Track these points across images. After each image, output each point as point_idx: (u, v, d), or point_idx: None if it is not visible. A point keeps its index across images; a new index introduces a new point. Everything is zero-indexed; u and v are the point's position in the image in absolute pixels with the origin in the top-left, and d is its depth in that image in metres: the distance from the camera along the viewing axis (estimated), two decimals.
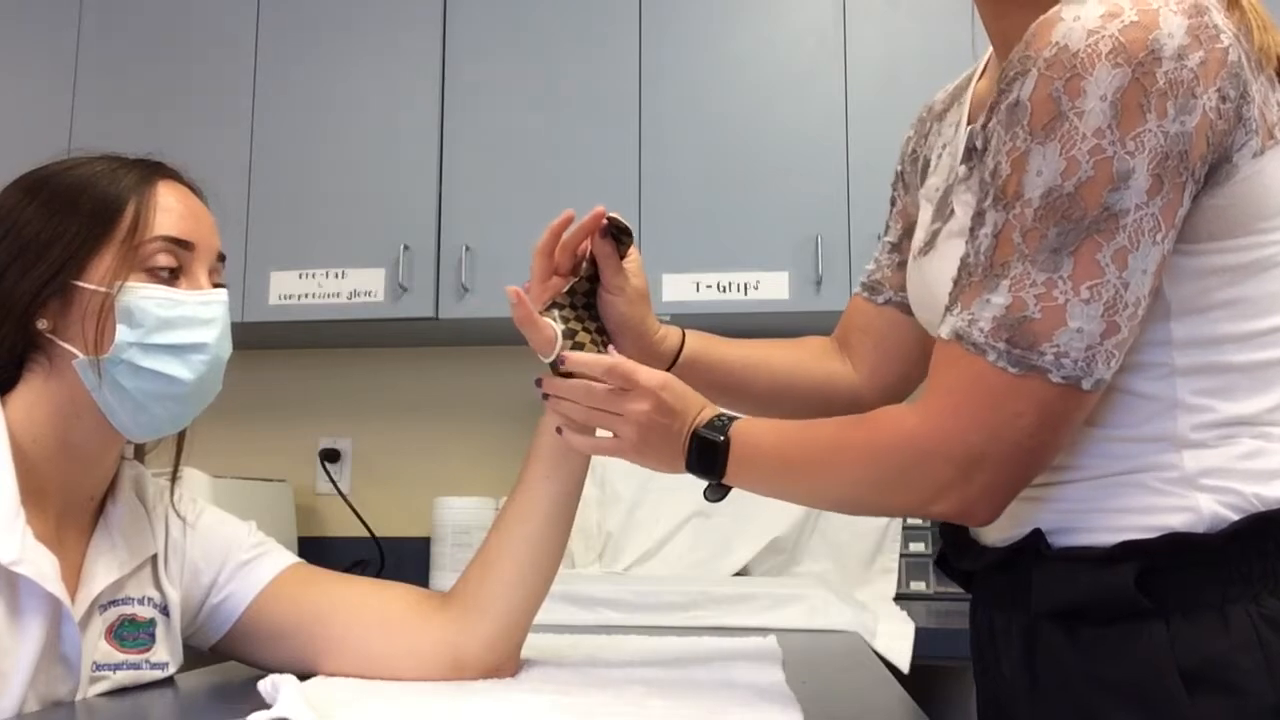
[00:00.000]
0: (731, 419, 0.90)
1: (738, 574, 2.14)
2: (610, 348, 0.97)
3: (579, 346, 0.96)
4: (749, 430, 0.89)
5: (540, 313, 0.96)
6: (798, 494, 0.91)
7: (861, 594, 2.03)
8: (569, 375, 0.92)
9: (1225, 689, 0.74)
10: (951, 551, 0.96)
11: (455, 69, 2.39)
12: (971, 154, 0.88)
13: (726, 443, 0.88)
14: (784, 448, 0.88)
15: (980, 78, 1.00)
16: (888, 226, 1.15)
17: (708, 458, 0.89)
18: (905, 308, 1.08)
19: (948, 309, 0.81)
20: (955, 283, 0.81)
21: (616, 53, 2.35)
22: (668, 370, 1.03)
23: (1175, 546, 0.77)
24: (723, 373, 1.07)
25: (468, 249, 2.30)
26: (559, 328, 0.95)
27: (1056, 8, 0.76)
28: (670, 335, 1.06)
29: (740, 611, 1.63)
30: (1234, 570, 0.76)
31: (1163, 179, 0.73)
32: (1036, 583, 0.83)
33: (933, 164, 1.01)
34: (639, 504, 2.27)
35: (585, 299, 1.01)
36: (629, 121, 2.32)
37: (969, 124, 0.95)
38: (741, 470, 0.89)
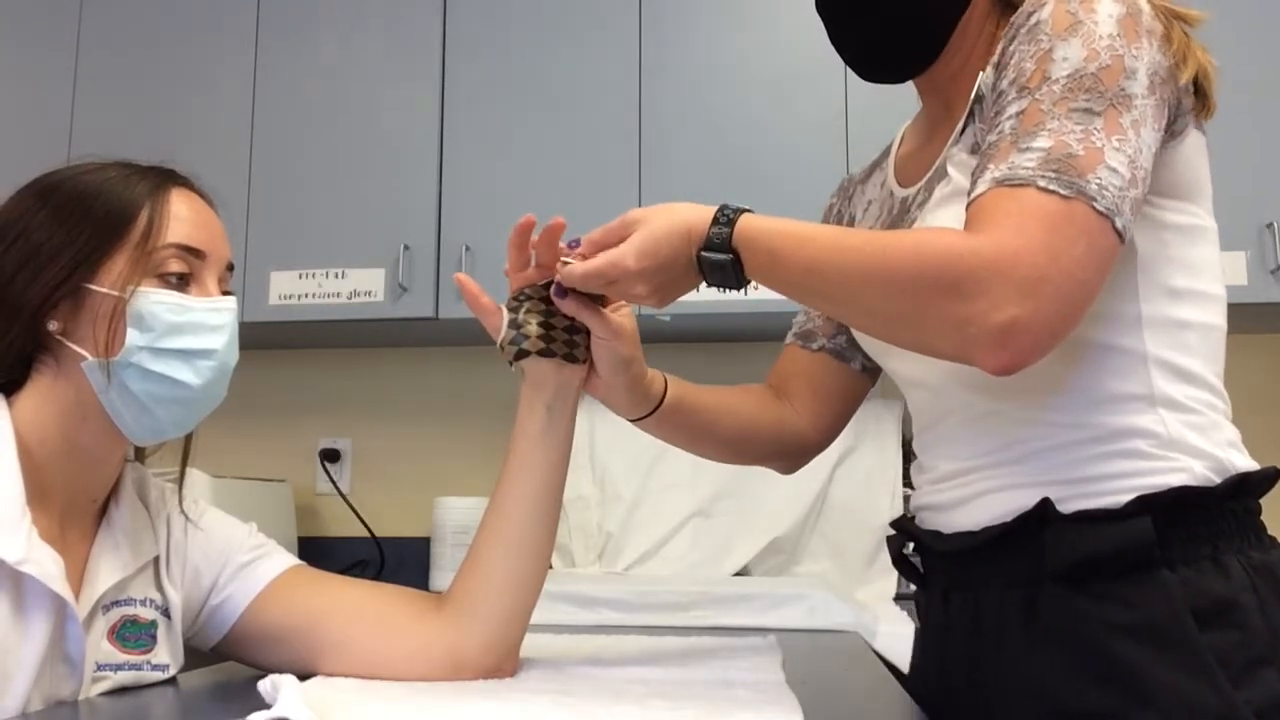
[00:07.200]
0: (730, 221, 0.87)
1: (738, 574, 2.15)
2: (581, 338, 0.97)
3: (547, 340, 0.97)
4: (755, 239, 0.86)
5: (510, 300, 0.98)
6: (829, 299, 0.88)
7: (861, 594, 2.03)
8: (539, 353, 0.96)
9: (1231, 625, 0.84)
10: (933, 539, 0.99)
11: (455, 68, 2.40)
12: (977, 104, 0.93)
13: (735, 259, 0.87)
14: (805, 250, 0.85)
15: (900, 145, 1.12)
16: None
17: (723, 276, 0.89)
18: (838, 353, 1.15)
19: (978, 177, 0.84)
20: (980, 158, 0.86)
21: (617, 53, 2.35)
22: (654, 412, 1.05)
23: (1180, 502, 0.85)
24: (698, 417, 1.09)
25: (468, 249, 2.31)
26: (506, 318, 0.97)
27: None
28: (656, 379, 1.06)
29: (740, 611, 1.63)
30: (1224, 525, 0.86)
31: (1154, 87, 0.84)
32: (1051, 543, 0.87)
33: (859, 217, 1.13)
34: (639, 504, 2.27)
35: None
36: (629, 121, 2.33)
37: (899, 185, 1.06)
38: (761, 275, 0.88)
